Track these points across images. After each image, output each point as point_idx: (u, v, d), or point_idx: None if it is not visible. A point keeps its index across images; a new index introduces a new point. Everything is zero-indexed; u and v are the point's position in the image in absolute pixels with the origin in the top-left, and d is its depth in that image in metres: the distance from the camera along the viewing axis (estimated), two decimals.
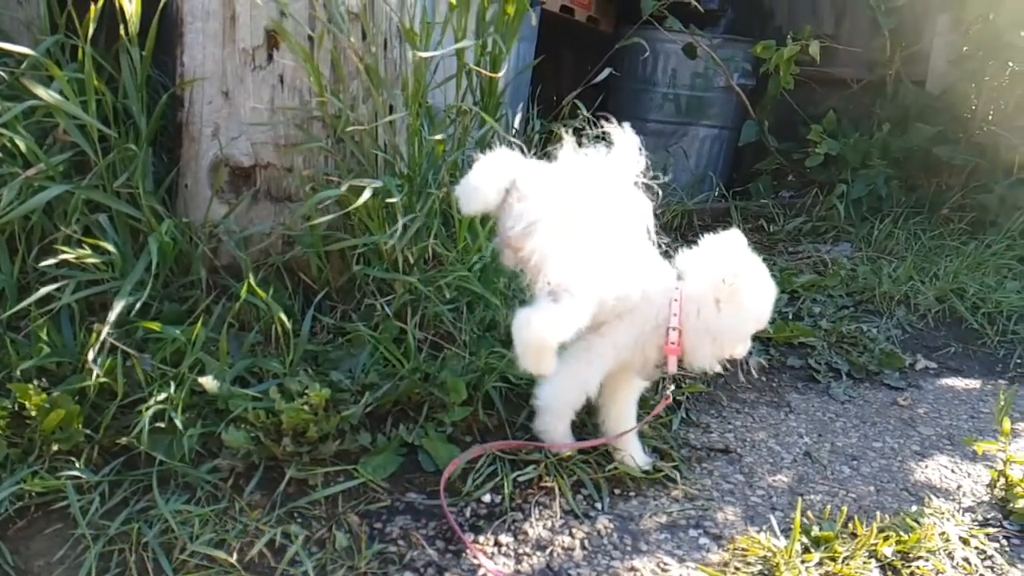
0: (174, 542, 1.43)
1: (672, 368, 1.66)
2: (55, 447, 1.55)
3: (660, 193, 1.69)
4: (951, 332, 2.92)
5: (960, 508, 1.83)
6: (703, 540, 1.62)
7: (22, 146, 1.73)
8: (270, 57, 1.96)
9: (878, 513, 1.74)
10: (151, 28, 1.88)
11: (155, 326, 1.71)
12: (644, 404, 1.87)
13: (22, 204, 1.70)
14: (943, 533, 1.68)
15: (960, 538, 1.68)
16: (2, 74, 1.80)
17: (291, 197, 2.04)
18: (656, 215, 1.71)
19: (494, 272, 2.09)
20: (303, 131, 1.99)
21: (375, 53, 2.01)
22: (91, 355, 1.61)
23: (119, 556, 1.40)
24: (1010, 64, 3.91)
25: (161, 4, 1.85)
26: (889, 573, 1.57)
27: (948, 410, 2.36)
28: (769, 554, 1.57)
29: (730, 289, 1.59)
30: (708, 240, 1.67)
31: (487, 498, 1.65)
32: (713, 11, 4.58)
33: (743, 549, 1.59)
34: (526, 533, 1.58)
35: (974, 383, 2.58)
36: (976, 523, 1.77)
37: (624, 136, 1.64)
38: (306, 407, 1.62)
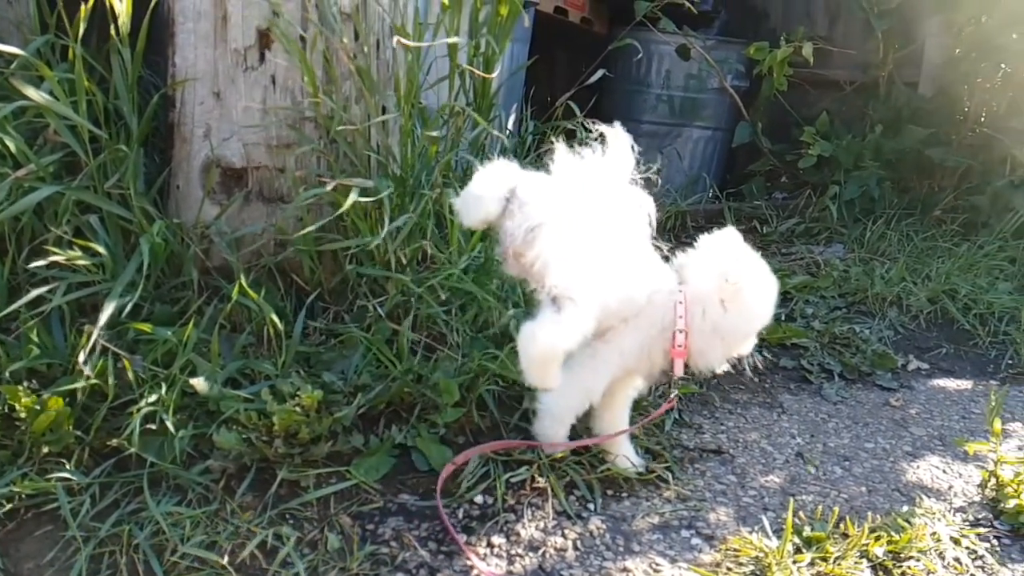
0: (165, 544, 1.42)
1: (679, 371, 1.65)
2: (45, 449, 1.55)
3: (654, 195, 1.69)
4: (943, 333, 2.93)
5: (951, 508, 1.84)
6: (695, 540, 1.63)
7: (12, 147, 1.72)
8: (262, 57, 1.96)
9: (869, 513, 1.75)
10: (142, 28, 1.87)
11: (146, 327, 1.70)
12: (636, 406, 1.87)
13: (12, 205, 1.69)
14: (934, 533, 1.69)
15: (951, 538, 1.69)
16: None
17: (283, 198, 2.04)
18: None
19: (487, 273, 2.09)
20: (295, 132, 1.99)
21: (368, 54, 2.01)
22: (82, 357, 1.60)
23: (110, 558, 1.40)
24: (1002, 66, 3.92)
25: (152, 4, 1.84)
26: (880, 573, 1.58)
27: (940, 411, 2.37)
28: (761, 554, 1.57)
29: (733, 288, 1.59)
30: (706, 240, 1.67)
31: (479, 499, 1.65)
32: (707, 13, 4.60)
33: (735, 549, 1.59)
34: (518, 534, 1.58)
35: (966, 384, 2.59)
36: (967, 523, 1.78)
37: (617, 135, 1.64)
38: (298, 408, 1.62)
